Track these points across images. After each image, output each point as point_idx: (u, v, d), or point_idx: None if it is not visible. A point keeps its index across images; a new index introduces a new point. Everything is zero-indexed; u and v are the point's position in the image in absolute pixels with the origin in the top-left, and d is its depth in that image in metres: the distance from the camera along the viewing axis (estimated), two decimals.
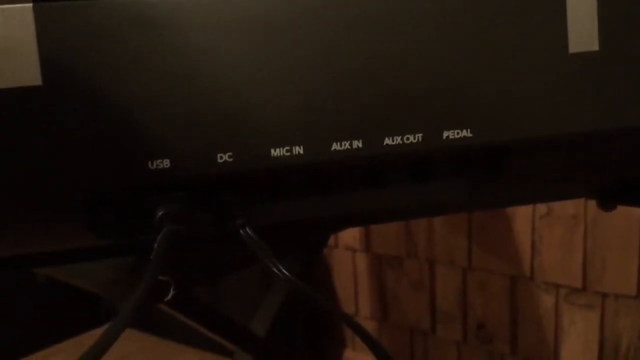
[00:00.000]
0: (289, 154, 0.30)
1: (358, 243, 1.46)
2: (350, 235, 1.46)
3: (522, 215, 1.19)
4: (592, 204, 1.10)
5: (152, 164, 0.29)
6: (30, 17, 0.27)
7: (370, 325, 1.48)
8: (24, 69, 0.27)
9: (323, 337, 1.57)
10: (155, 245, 0.28)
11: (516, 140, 0.33)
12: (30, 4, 0.27)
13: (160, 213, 0.29)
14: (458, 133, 0.32)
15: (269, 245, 0.31)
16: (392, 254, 1.41)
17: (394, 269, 1.41)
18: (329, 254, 1.52)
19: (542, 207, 1.16)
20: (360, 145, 0.31)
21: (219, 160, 0.30)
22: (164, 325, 1.46)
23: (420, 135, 0.32)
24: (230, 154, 0.30)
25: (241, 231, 0.31)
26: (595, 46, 0.33)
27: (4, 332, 1.34)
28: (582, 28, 0.33)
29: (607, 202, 0.49)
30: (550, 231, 1.16)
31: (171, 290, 0.29)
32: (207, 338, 1.04)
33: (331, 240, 1.49)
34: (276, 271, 0.30)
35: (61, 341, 1.47)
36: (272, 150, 0.30)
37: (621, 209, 0.48)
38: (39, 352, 1.44)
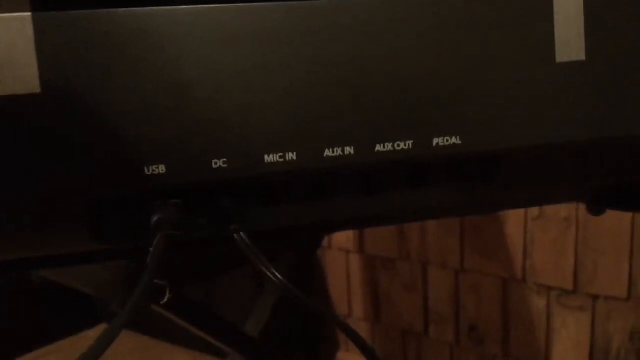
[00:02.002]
0: (282, 160, 0.31)
1: (351, 244, 1.47)
2: (344, 237, 1.46)
3: (514, 218, 1.20)
4: (583, 206, 1.10)
5: (147, 170, 0.30)
6: (29, 26, 0.27)
7: (363, 327, 1.49)
8: (23, 77, 0.28)
9: (316, 338, 1.58)
10: (152, 250, 0.29)
11: (504, 149, 0.34)
12: (30, 13, 0.28)
13: (156, 218, 0.30)
14: (447, 140, 0.33)
15: (263, 248, 0.31)
16: (385, 255, 1.41)
17: (387, 270, 1.42)
18: (322, 255, 1.53)
19: (534, 210, 1.17)
20: (352, 151, 0.32)
21: (214, 166, 0.30)
22: (157, 326, 1.46)
23: (410, 142, 0.32)
24: (224, 159, 0.30)
25: (235, 236, 0.32)
26: (582, 56, 0.34)
27: (0, 332, 1.34)
28: (569, 38, 0.34)
29: (597, 207, 0.49)
30: (542, 233, 1.17)
31: (167, 294, 0.29)
32: (200, 339, 1.04)
33: (325, 241, 1.49)
34: (270, 276, 0.30)
35: (57, 341, 1.47)
36: (266, 156, 0.31)
37: (613, 212, 0.49)
38: (35, 352, 1.44)
